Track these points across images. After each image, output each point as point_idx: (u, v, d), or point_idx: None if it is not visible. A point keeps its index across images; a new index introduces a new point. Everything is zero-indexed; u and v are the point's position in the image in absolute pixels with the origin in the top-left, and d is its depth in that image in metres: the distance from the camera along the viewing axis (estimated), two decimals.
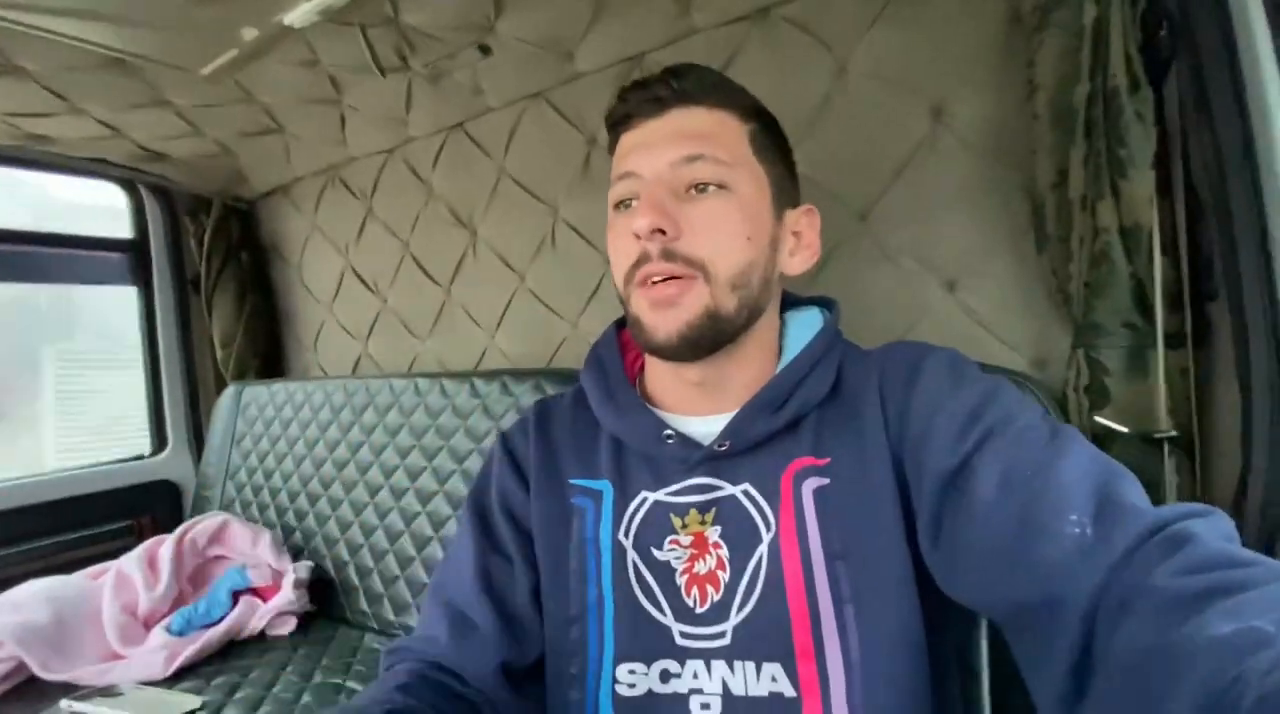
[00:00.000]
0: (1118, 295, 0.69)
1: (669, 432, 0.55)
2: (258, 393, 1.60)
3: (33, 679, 1.04)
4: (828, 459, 0.52)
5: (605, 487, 0.58)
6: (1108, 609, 0.34)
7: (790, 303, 0.63)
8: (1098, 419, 0.71)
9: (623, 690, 0.53)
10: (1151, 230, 0.65)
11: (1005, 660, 0.63)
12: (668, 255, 0.51)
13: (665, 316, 0.52)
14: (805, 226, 0.58)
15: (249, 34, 1.04)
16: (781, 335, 0.60)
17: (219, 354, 1.77)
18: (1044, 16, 0.71)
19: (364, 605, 1.24)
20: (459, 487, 1.17)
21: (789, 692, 0.49)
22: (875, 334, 0.95)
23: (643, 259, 0.52)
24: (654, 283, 0.52)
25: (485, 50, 1.16)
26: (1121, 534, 0.36)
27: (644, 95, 0.55)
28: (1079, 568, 0.36)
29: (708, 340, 0.52)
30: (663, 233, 0.50)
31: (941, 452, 0.47)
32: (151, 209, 1.71)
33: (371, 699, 0.49)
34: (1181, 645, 0.29)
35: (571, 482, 0.60)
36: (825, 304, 0.62)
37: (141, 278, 1.71)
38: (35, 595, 1.10)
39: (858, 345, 0.60)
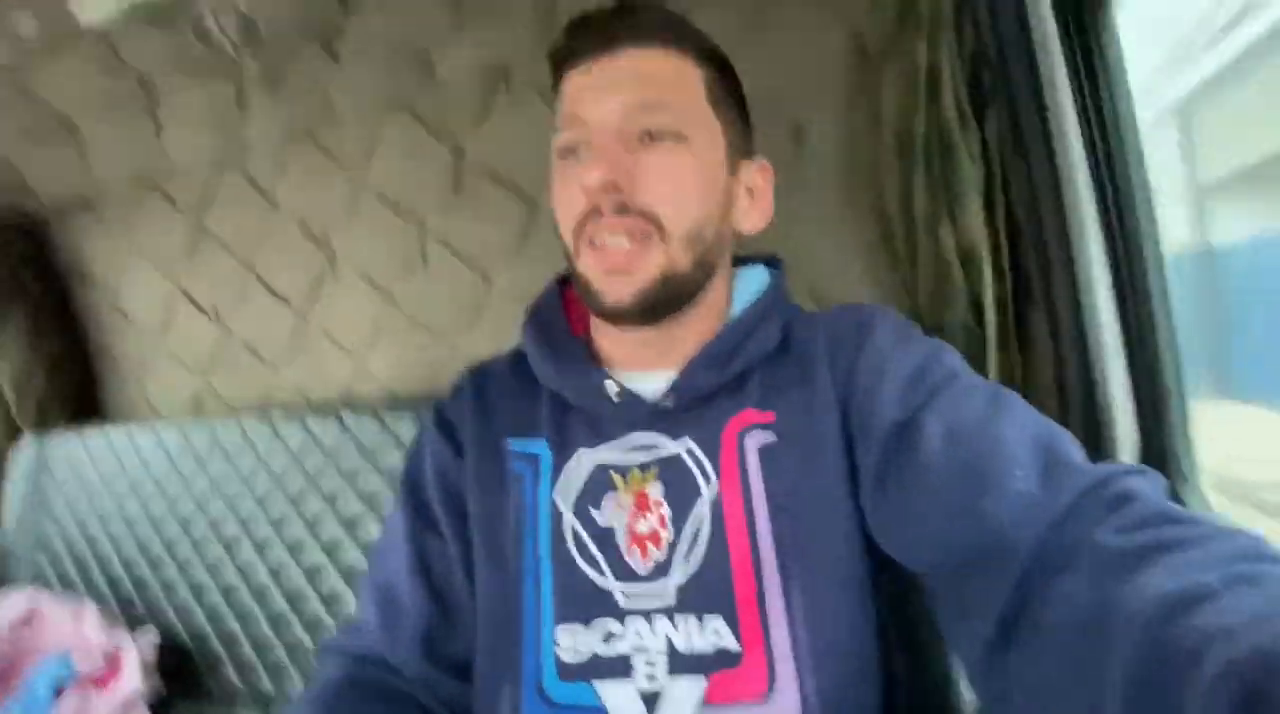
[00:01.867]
0: (957, 306, 0.77)
1: (612, 385, 0.53)
2: (68, 445, 1.37)
3: None
4: (772, 414, 0.52)
5: (542, 449, 0.56)
6: (1048, 562, 0.35)
7: (736, 261, 0.62)
8: None
9: (565, 655, 0.51)
10: (982, 252, 0.73)
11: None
12: (620, 209, 0.48)
13: (617, 282, 0.50)
14: (760, 182, 0.57)
15: (27, 25, 0.87)
16: (730, 290, 0.59)
17: (11, 400, 1.48)
18: (885, 52, 0.78)
19: (233, 678, 1.10)
20: (335, 531, 1.07)
21: (733, 646, 0.48)
22: None
23: (592, 213, 0.49)
24: (606, 244, 0.49)
25: (331, 53, 1.06)
26: (1065, 489, 0.37)
27: (591, 31, 0.51)
28: (1022, 520, 0.37)
29: (662, 304, 0.51)
30: (617, 188, 0.48)
31: (888, 405, 0.47)
32: None
33: None
34: (1124, 601, 0.29)
35: (509, 445, 0.57)
36: (771, 263, 0.62)
37: None
38: None
39: (802, 307, 0.61)
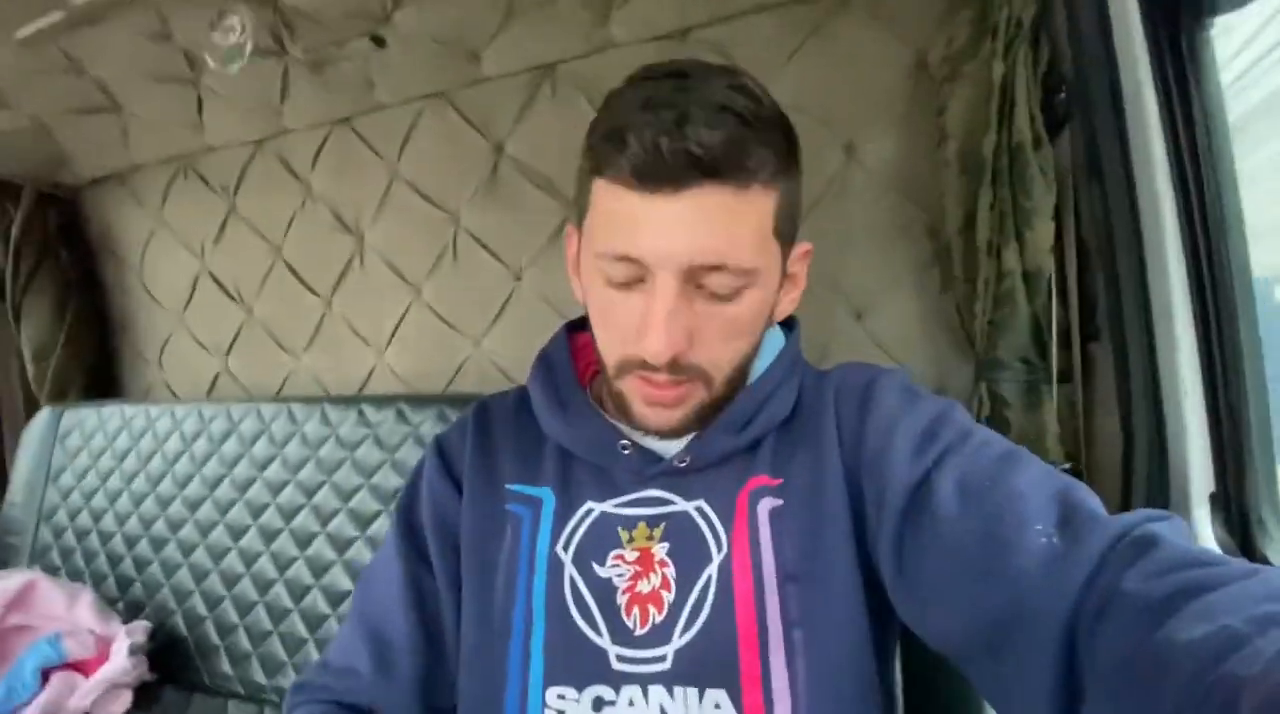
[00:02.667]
0: (1019, 333, 0.73)
1: (625, 442, 0.52)
2: (83, 417, 1.35)
3: None
4: (781, 479, 0.51)
5: (546, 494, 0.54)
6: (1086, 618, 0.34)
7: None
8: None
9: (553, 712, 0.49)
10: (1050, 275, 0.70)
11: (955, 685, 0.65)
12: (675, 368, 0.47)
13: (659, 414, 0.49)
14: (799, 268, 0.53)
15: None
16: None
17: (30, 370, 1.48)
18: (955, 68, 0.75)
19: (226, 668, 1.06)
20: (345, 528, 1.04)
21: None
22: None
23: (646, 368, 0.47)
24: (652, 375, 0.47)
25: (379, 42, 1.05)
26: (1090, 542, 0.36)
27: (662, 163, 0.42)
28: (1053, 578, 0.36)
29: (698, 426, 0.51)
30: (677, 358, 0.46)
31: (900, 469, 0.46)
32: None
33: None
34: (1158, 652, 0.29)
35: (509, 487, 0.56)
36: (785, 323, 0.59)
37: None
38: None
39: (809, 364, 0.59)
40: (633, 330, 0.46)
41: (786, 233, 0.48)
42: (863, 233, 0.92)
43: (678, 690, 0.48)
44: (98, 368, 1.56)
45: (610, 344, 0.50)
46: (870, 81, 0.89)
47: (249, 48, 0.95)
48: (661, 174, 0.42)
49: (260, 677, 1.04)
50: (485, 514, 0.55)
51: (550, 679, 0.50)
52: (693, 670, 0.48)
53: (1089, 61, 0.65)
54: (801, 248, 0.52)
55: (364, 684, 0.53)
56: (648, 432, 0.51)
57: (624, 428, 0.53)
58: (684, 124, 0.41)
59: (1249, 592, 0.29)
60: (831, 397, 0.53)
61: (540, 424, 0.56)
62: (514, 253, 1.14)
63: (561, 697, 0.49)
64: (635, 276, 0.46)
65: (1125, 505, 0.67)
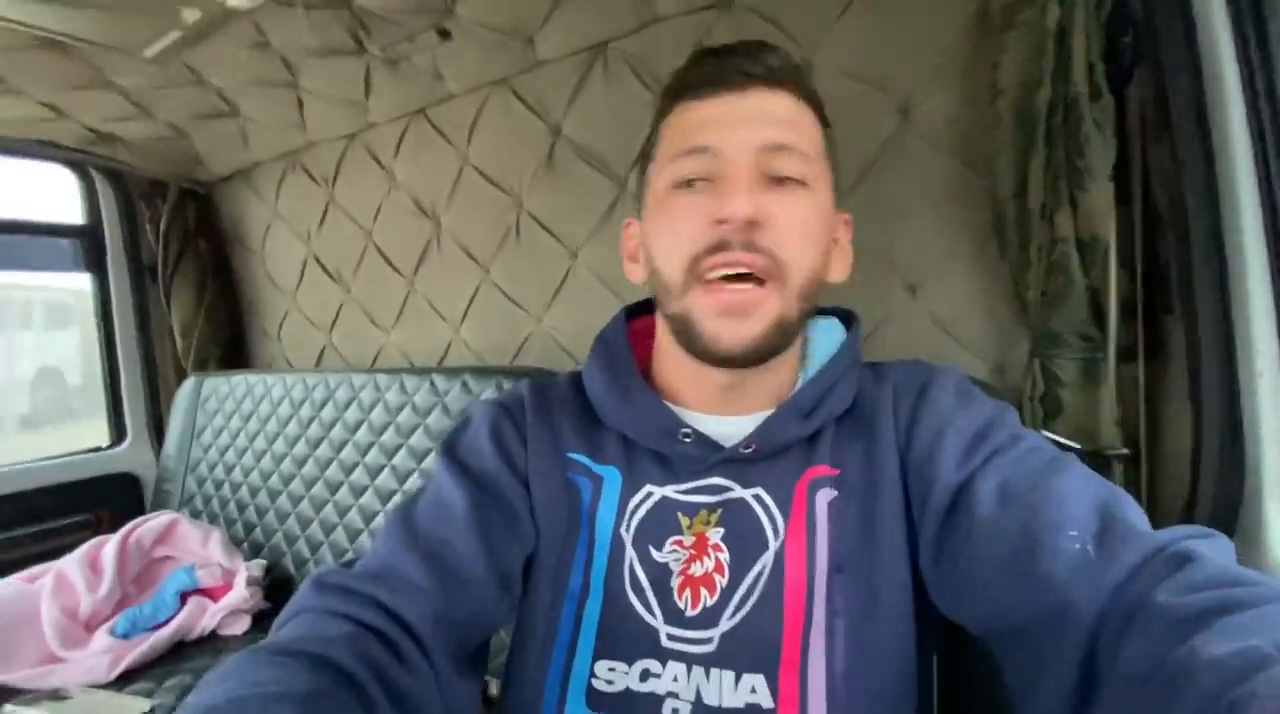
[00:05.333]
0: (1074, 306, 0.67)
1: (686, 430, 0.52)
2: (218, 385, 1.56)
3: None
4: (838, 470, 0.51)
5: (610, 473, 0.54)
6: (1112, 626, 0.34)
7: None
8: (1046, 434, 0.70)
9: (599, 685, 0.50)
10: (1108, 242, 0.63)
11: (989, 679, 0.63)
12: (749, 246, 0.46)
13: (733, 327, 0.47)
14: (843, 234, 0.55)
15: (191, 15, 0.99)
16: (804, 341, 0.57)
17: (179, 344, 1.72)
18: (1011, 16, 0.69)
19: None
20: (417, 486, 1.14)
21: (766, 703, 0.47)
22: None
23: (719, 246, 0.46)
24: (724, 284, 0.47)
25: (444, 34, 1.11)
26: (1126, 553, 0.36)
27: (727, 65, 0.49)
28: (1082, 584, 0.36)
29: (771, 351, 0.49)
30: (756, 223, 0.46)
31: (947, 470, 0.46)
32: (105, 193, 1.64)
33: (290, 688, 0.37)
34: (1181, 665, 0.29)
35: (570, 456, 0.55)
36: (841, 315, 0.59)
37: (96, 265, 1.65)
38: None
39: (867, 361, 0.58)
40: (705, 222, 0.47)
41: (833, 162, 0.52)
42: (918, 201, 0.87)
43: (714, 673, 0.48)
44: (231, 342, 1.79)
45: (677, 249, 0.49)
46: (926, 36, 0.83)
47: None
48: (728, 79, 0.48)
49: None
50: (548, 475, 0.55)
51: (600, 653, 0.51)
52: (734, 655, 0.48)
53: (1159, 2, 0.57)
54: (843, 215, 0.55)
55: (422, 597, 0.47)
56: (720, 353, 0.49)
57: (686, 415, 0.53)
58: (742, 53, 0.49)
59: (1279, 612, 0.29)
60: (890, 392, 0.53)
61: (598, 410, 0.56)
62: (570, 232, 1.18)
63: (612, 669, 0.50)
64: (707, 171, 0.48)
65: (1192, 497, 0.61)
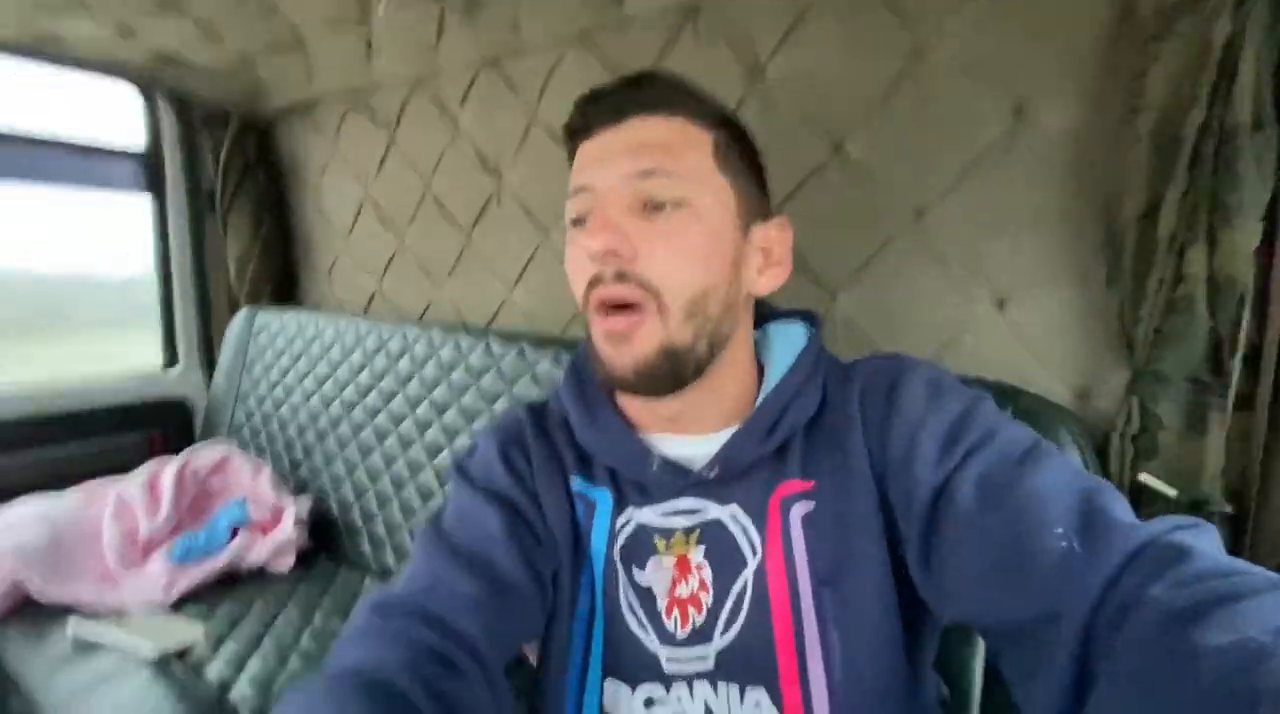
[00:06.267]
0: (1191, 348, 0.63)
1: (654, 458, 0.53)
2: (270, 319, 1.58)
3: (29, 600, 1.06)
4: (813, 482, 0.51)
5: (602, 496, 0.56)
6: (1105, 622, 0.34)
7: (771, 314, 0.61)
8: (1141, 476, 0.67)
9: (609, 704, 0.53)
10: (1246, 286, 0.59)
11: (996, 677, 0.64)
12: (621, 277, 0.48)
13: (619, 351, 0.49)
14: (776, 241, 0.54)
15: None
16: (763, 350, 0.57)
17: (233, 274, 1.74)
18: (1166, 24, 0.63)
19: (366, 549, 1.25)
20: (466, 445, 1.16)
21: None
22: (910, 339, 0.91)
23: (596, 280, 0.49)
24: (608, 312, 0.49)
25: None
26: (1112, 549, 0.36)
27: (600, 103, 0.51)
28: (1071, 583, 0.36)
29: (667, 377, 0.49)
30: (616, 254, 0.47)
31: (925, 472, 0.46)
32: (167, 117, 1.63)
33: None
34: (1178, 658, 0.29)
35: (571, 479, 0.57)
36: (807, 317, 0.59)
37: (155, 187, 1.66)
38: (30, 516, 1.11)
39: (836, 358, 0.57)
40: (584, 258, 0.49)
41: (735, 174, 0.51)
42: (1021, 210, 0.82)
43: (721, 686, 0.50)
44: (284, 276, 1.80)
45: (575, 284, 0.52)
46: (1056, 34, 0.77)
47: None
48: (604, 116, 0.50)
49: (391, 561, 1.21)
50: (553, 496, 0.56)
51: (608, 670, 0.53)
52: (734, 669, 0.50)
53: None
54: (775, 221, 0.54)
55: (473, 607, 0.48)
56: (614, 379, 0.50)
57: (652, 439, 0.54)
58: (622, 88, 0.51)
59: (1277, 604, 0.29)
60: (856, 395, 0.52)
61: (577, 436, 0.57)
62: None
63: (616, 690, 0.53)
64: (587, 208, 0.50)
65: None
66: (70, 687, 0.90)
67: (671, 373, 0.49)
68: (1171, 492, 0.65)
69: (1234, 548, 0.63)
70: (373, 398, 1.32)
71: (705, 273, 0.49)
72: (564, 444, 0.58)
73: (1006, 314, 0.85)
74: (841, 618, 0.48)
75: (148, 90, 1.59)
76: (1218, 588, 0.31)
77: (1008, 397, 0.71)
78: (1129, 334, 0.69)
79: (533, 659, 0.57)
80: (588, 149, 0.51)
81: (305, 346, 1.48)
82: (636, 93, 0.50)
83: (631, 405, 0.56)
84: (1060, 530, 0.38)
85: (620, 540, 0.54)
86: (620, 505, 0.55)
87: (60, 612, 1.04)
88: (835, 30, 0.90)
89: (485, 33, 1.20)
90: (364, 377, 1.35)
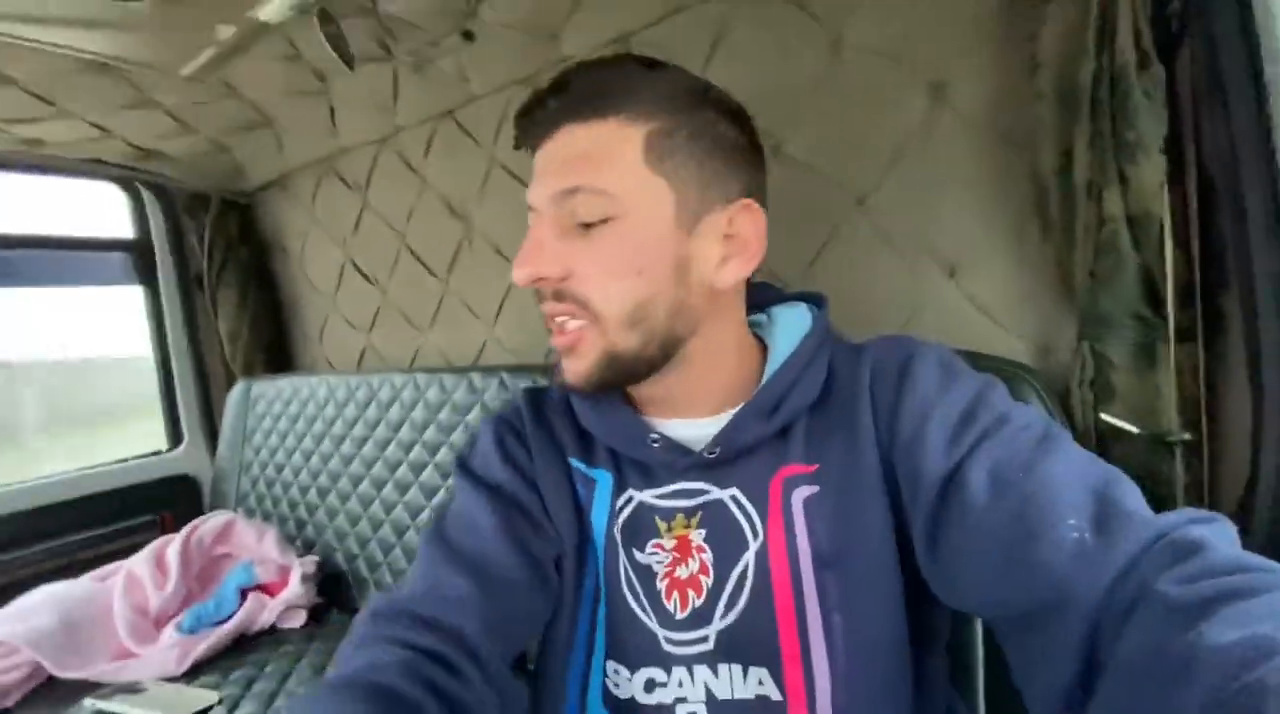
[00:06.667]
0: (1125, 286, 0.65)
1: (654, 436, 0.53)
2: (266, 388, 1.62)
3: (51, 680, 1.08)
4: (816, 465, 0.50)
5: (602, 476, 0.56)
6: (1112, 616, 0.34)
7: (778, 297, 0.61)
8: (1103, 416, 0.68)
9: (611, 687, 0.53)
10: (1162, 219, 0.61)
11: (1000, 665, 0.63)
12: (558, 296, 0.49)
13: (569, 365, 0.51)
14: (742, 225, 0.50)
15: (225, 32, 1.02)
16: (767, 333, 0.57)
17: (226, 349, 1.79)
18: None
19: None
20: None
21: (775, 695, 0.48)
22: (874, 323, 0.93)
23: (540, 298, 0.51)
24: (559, 323, 0.50)
25: (468, 36, 1.12)
26: (1124, 541, 0.36)
27: (531, 116, 0.50)
28: (1081, 575, 0.36)
29: (619, 379, 0.50)
30: (544, 280, 0.49)
31: (934, 458, 0.45)
32: (151, 207, 1.71)
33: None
34: (1186, 653, 0.29)
35: (570, 461, 0.58)
36: (814, 299, 0.59)
37: (147, 276, 1.72)
38: (42, 602, 1.14)
39: (847, 339, 0.57)
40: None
41: (672, 164, 0.48)
42: (954, 182, 0.85)
43: (722, 668, 0.50)
44: (275, 345, 1.85)
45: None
46: (957, 11, 0.81)
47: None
48: (538, 129, 0.50)
49: None
50: (553, 480, 0.57)
51: (610, 653, 0.53)
52: (734, 650, 0.49)
53: None
54: (739, 204, 0.50)
55: (469, 607, 0.49)
56: (570, 387, 0.52)
57: (654, 421, 0.55)
58: (551, 94, 0.49)
59: None
60: (866, 376, 0.51)
61: (580, 419, 0.57)
62: None
63: (617, 671, 0.53)
64: (531, 223, 0.51)
65: (1253, 479, 0.58)
66: None
67: (623, 375, 0.50)
68: (1134, 429, 0.66)
69: (1195, 472, 0.64)
70: (369, 448, 1.35)
71: (639, 284, 0.47)
72: (563, 427, 0.58)
73: (959, 283, 0.87)
74: (844, 600, 0.48)
75: (129, 184, 1.67)
76: (1229, 583, 0.31)
77: (972, 362, 0.73)
78: (1069, 282, 0.71)
79: (532, 643, 0.57)
80: (536, 161, 0.51)
81: (301, 408, 1.52)
82: (562, 100, 0.48)
83: (631, 388, 0.56)
84: (1073, 522, 0.38)
85: (620, 520, 0.54)
86: (621, 486, 0.55)
87: (78, 688, 1.05)
88: (756, 36, 0.95)
89: (437, 88, 1.26)
90: (358, 428, 1.37)
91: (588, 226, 0.47)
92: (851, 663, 0.47)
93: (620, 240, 0.47)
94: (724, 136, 0.50)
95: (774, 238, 0.96)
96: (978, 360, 0.73)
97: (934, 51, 0.83)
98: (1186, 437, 0.63)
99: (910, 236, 0.88)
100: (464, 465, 0.59)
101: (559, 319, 0.50)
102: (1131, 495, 0.39)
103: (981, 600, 0.43)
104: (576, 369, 0.50)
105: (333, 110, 1.38)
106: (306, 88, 1.27)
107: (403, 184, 1.45)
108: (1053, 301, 0.79)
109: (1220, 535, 0.35)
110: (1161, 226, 0.61)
